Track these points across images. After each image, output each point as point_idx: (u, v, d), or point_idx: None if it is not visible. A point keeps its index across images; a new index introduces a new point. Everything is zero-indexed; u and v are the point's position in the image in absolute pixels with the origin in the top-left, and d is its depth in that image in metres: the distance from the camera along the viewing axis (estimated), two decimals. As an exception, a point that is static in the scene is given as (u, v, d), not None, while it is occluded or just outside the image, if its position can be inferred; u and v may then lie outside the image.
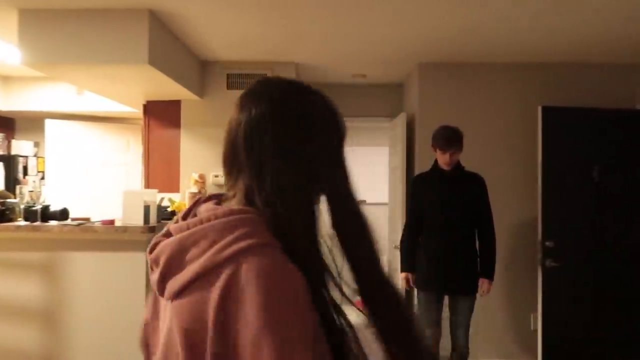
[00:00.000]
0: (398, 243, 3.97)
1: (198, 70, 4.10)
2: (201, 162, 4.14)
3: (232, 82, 4.15)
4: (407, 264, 3.20)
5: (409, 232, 3.25)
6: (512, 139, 4.08)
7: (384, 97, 5.05)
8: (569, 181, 3.80)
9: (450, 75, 4.14)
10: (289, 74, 4.16)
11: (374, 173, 7.31)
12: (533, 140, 3.84)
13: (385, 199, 5.30)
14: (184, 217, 0.82)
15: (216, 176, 4.12)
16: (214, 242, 0.71)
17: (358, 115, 5.09)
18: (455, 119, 4.10)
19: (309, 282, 0.72)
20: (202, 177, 4.03)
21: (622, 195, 3.87)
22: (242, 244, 0.70)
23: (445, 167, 3.06)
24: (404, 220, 4.31)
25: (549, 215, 3.75)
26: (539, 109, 3.79)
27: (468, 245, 3.09)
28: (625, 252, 3.87)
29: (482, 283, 3.03)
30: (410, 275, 3.18)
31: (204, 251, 0.71)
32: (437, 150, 3.06)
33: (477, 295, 3.06)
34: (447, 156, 3.00)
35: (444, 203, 3.07)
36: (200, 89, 4.14)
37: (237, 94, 4.11)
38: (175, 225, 0.79)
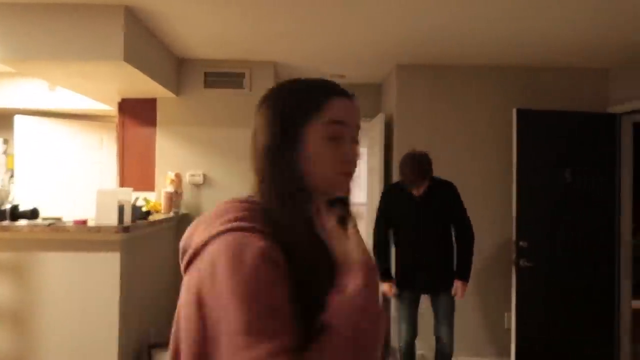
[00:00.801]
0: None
1: (175, 67, 4.05)
2: (177, 161, 4.09)
3: (209, 80, 4.11)
4: (385, 275, 3.11)
5: (381, 245, 3.15)
6: (488, 140, 4.14)
7: (362, 98, 5.05)
8: (543, 182, 3.88)
9: (428, 76, 4.17)
10: (267, 74, 4.14)
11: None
12: (508, 142, 3.91)
13: (364, 199, 5.32)
14: None
15: (193, 175, 4.07)
16: (208, 225, 0.83)
17: (336, 116, 5.09)
18: (432, 120, 4.16)
19: (297, 270, 0.80)
20: (178, 176, 3.97)
21: (593, 197, 3.97)
22: (224, 226, 0.80)
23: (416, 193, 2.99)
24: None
25: (523, 215, 3.82)
26: (514, 111, 3.85)
27: (443, 249, 3.07)
28: (595, 253, 3.97)
29: (457, 285, 3.03)
30: (390, 285, 3.10)
31: (201, 233, 0.83)
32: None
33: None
34: (414, 189, 2.96)
35: (417, 218, 3.03)
36: (176, 87, 4.08)
37: (214, 92, 4.05)
38: None
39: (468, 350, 4.04)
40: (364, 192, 5.33)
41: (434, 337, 3.16)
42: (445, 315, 3.06)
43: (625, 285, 4.01)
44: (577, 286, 3.91)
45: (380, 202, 3.24)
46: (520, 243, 3.80)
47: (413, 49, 3.75)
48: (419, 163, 2.90)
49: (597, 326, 3.97)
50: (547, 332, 3.86)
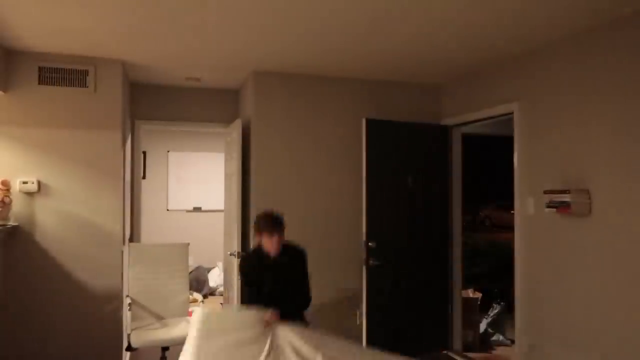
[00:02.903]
0: (234, 250, 3.93)
1: (1, 59, 3.53)
2: (5, 166, 3.58)
3: (45, 76, 3.67)
4: None
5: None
6: (341, 147, 4.36)
7: (219, 103, 4.99)
8: (389, 186, 4.21)
9: (283, 84, 4.26)
10: (115, 72, 3.84)
11: (209, 179, 7.17)
12: (359, 149, 4.17)
13: (221, 206, 5.23)
14: None
15: (25, 182, 3.60)
16: None
17: (192, 120, 4.94)
18: (289, 127, 4.27)
19: None
20: (5, 183, 3.48)
21: (430, 198, 4.42)
22: None
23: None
24: (240, 227, 4.33)
25: (372, 217, 4.10)
26: (364, 120, 4.14)
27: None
28: (432, 249, 4.42)
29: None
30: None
31: None
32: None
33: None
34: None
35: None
36: (4, 83, 3.58)
37: (51, 89, 3.65)
38: None
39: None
40: (220, 198, 5.24)
41: None
42: None
43: (457, 276, 4.54)
44: (418, 279, 4.31)
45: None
46: (370, 244, 4.08)
47: (269, 56, 3.79)
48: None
49: (434, 313, 4.42)
50: (394, 325, 4.18)
